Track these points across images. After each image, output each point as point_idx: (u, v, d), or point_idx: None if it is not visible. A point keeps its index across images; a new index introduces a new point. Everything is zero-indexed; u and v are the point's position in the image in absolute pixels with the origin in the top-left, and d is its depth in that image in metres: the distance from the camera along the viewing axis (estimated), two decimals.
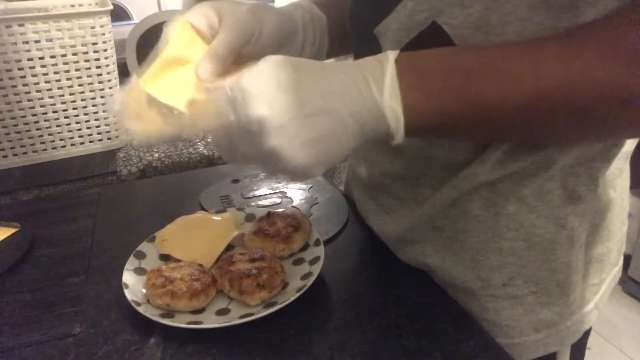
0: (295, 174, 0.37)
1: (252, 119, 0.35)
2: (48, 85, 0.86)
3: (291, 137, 0.35)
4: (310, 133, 0.35)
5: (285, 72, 0.36)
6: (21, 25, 0.80)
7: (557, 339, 0.51)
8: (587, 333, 0.54)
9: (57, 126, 0.90)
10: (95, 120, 0.92)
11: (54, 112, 0.89)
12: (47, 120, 0.89)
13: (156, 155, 0.93)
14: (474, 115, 0.37)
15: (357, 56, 0.52)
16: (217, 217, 0.62)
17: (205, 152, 0.94)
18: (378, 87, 0.37)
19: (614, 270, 0.57)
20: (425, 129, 0.38)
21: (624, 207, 0.54)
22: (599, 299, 0.54)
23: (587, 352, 0.58)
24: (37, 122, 0.89)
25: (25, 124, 0.88)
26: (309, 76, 0.36)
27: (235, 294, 0.49)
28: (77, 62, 0.87)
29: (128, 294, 0.49)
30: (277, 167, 0.37)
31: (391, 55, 0.38)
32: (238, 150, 0.38)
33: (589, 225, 0.50)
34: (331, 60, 0.40)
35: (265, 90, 0.35)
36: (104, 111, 0.92)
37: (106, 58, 0.89)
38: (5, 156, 0.89)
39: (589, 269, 0.52)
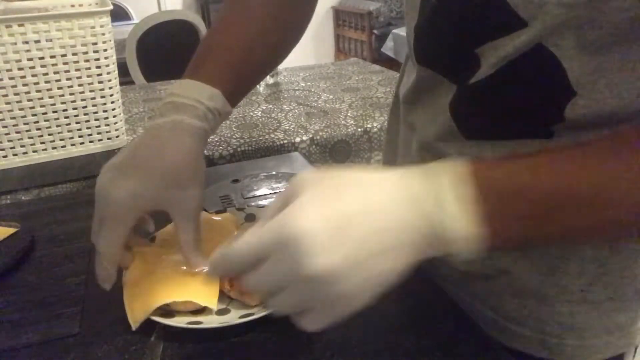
0: (354, 308, 0.33)
1: (311, 274, 0.30)
2: (48, 85, 0.86)
3: (355, 283, 0.31)
4: (374, 271, 0.31)
5: (338, 201, 0.31)
6: (21, 25, 0.80)
7: (627, 340, 0.51)
8: None
9: (57, 126, 0.90)
10: (95, 120, 0.92)
11: (54, 112, 0.89)
12: (47, 120, 0.89)
13: None
14: (556, 240, 0.37)
15: (442, 73, 0.48)
16: (217, 217, 0.62)
17: (205, 152, 0.94)
18: (455, 217, 0.31)
19: None
20: (502, 249, 0.36)
21: None
22: None
23: None
24: (37, 122, 0.88)
25: (25, 124, 0.88)
26: (368, 201, 0.32)
27: (235, 294, 0.49)
28: (77, 62, 0.87)
29: None
30: (335, 313, 0.33)
31: (466, 182, 0.32)
32: (285, 301, 0.33)
33: None
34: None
35: (315, 239, 0.29)
36: (104, 111, 0.92)
37: (106, 58, 0.89)
38: (5, 156, 0.89)
39: None
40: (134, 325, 0.45)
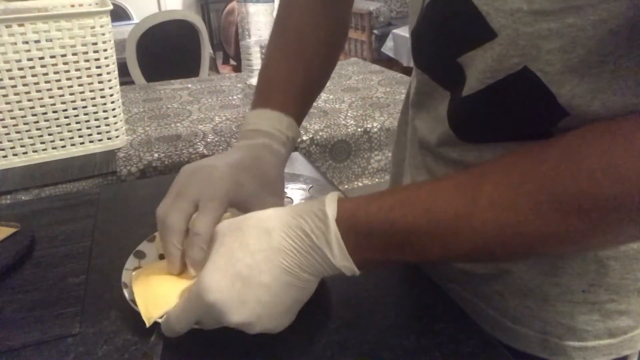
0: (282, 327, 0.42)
1: (233, 324, 0.39)
2: (48, 85, 0.86)
3: (270, 319, 0.40)
4: (284, 305, 0.40)
5: (237, 263, 0.39)
6: (21, 25, 0.80)
7: (631, 344, 0.51)
8: None
9: (57, 126, 0.90)
10: (95, 120, 0.92)
11: (54, 112, 0.89)
12: (47, 120, 0.89)
13: (156, 155, 0.93)
14: (422, 260, 0.41)
15: (434, 79, 0.50)
16: None
17: (205, 152, 0.94)
18: (328, 250, 0.39)
19: None
20: (383, 267, 0.43)
21: None
22: None
23: None
24: (37, 122, 0.89)
25: (25, 124, 0.88)
26: (261, 255, 0.39)
27: None
28: (77, 62, 0.87)
29: (127, 294, 0.49)
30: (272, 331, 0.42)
31: (331, 220, 0.39)
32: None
33: None
34: (269, 213, 0.42)
35: (229, 299, 0.39)
36: (104, 111, 0.92)
37: (106, 58, 0.89)
38: (5, 156, 0.89)
39: None
40: (148, 323, 0.45)
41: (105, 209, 0.72)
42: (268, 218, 0.41)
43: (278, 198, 0.53)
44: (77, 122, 0.92)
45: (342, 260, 0.39)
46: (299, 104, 0.59)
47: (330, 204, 0.40)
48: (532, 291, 0.50)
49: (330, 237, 0.39)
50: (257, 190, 0.50)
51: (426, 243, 0.38)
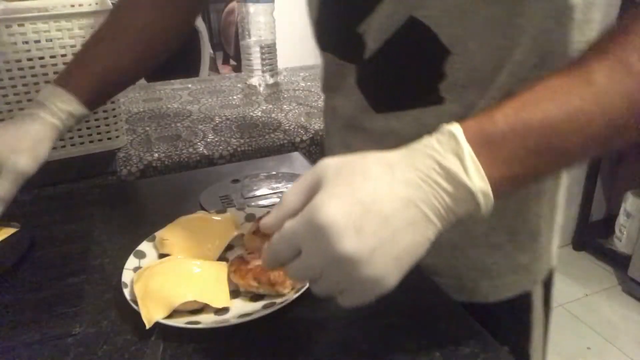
0: (386, 287, 0.35)
1: (341, 256, 0.33)
2: None
3: (384, 262, 0.34)
4: (398, 248, 0.34)
5: (357, 191, 0.34)
6: (21, 25, 0.80)
7: (531, 278, 0.59)
8: (552, 271, 0.62)
9: None
10: (95, 120, 0.92)
11: None
12: None
13: (156, 155, 0.93)
14: (557, 165, 0.39)
15: (340, 57, 0.57)
16: (217, 217, 0.62)
17: (205, 152, 0.94)
18: (462, 170, 0.35)
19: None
20: (508, 191, 0.37)
21: None
22: (560, 238, 0.62)
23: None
24: None
25: None
26: (383, 185, 0.34)
27: (265, 288, 0.49)
28: None
29: (127, 294, 0.49)
30: (371, 291, 0.35)
31: (458, 133, 0.36)
32: (324, 285, 0.36)
33: (552, 179, 0.56)
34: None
35: (345, 223, 0.33)
36: (104, 111, 0.92)
37: None
38: None
39: (554, 215, 0.58)
40: (148, 324, 0.45)
41: (105, 209, 0.72)
42: (388, 155, 0.37)
43: (29, 157, 0.60)
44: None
45: (477, 180, 0.35)
46: (92, 88, 0.65)
47: (453, 125, 0.36)
48: (443, 244, 0.51)
49: (463, 154, 0.35)
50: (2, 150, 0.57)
51: (565, 135, 0.36)
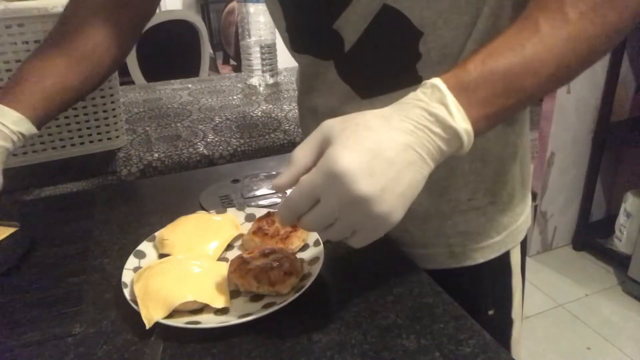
0: (392, 224, 0.41)
1: (358, 197, 0.38)
2: None
3: (392, 198, 0.39)
4: (403, 185, 0.40)
5: (363, 140, 0.39)
6: (21, 25, 0.80)
7: (511, 238, 0.65)
8: (528, 232, 0.69)
9: (57, 126, 0.90)
10: (95, 120, 0.92)
11: None
12: None
13: (156, 155, 0.93)
14: (521, 103, 0.45)
15: (318, 56, 0.60)
16: (217, 217, 0.62)
17: (205, 152, 0.94)
18: (447, 114, 0.41)
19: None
20: (484, 129, 0.44)
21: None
22: (530, 202, 0.69)
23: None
24: None
25: None
26: (383, 133, 0.40)
27: (265, 289, 0.49)
28: None
29: (127, 294, 0.49)
30: (382, 227, 0.41)
31: (441, 84, 0.42)
32: (338, 227, 0.41)
33: (522, 141, 0.62)
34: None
35: (359, 168, 0.38)
36: (104, 111, 0.92)
37: None
38: None
39: (526, 177, 0.65)
40: (148, 324, 0.45)
41: (105, 209, 0.72)
42: (383, 110, 0.42)
43: None
44: (77, 122, 0.91)
45: (461, 121, 0.41)
46: (39, 105, 0.63)
47: (435, 79, 0.42)
48: (431, 214, 0.61)
49: (447, 100, 0.41)
50: None
51: (525, 77, 0.42)
